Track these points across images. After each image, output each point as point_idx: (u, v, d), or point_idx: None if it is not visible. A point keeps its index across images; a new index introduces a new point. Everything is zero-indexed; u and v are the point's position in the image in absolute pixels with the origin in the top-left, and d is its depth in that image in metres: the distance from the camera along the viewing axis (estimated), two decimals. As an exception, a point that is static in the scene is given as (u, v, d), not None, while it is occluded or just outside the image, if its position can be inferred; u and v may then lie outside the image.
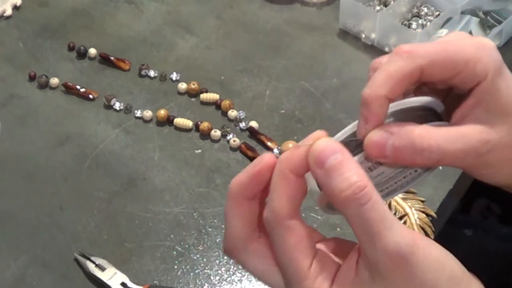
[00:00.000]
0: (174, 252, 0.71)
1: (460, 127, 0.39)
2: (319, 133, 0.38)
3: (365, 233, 0.34)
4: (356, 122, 0.39)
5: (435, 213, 0.73)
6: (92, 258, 0.70)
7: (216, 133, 0.83)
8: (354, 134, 0.39)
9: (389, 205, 0.73)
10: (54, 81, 0.91)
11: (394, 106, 0.38)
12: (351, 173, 0.34)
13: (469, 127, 0.39)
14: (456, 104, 0.40)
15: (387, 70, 0.37)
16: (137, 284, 0.68)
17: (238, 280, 0.69)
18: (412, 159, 0.37)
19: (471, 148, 0.38)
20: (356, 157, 0.38)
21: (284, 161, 0.37)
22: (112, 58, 0.94)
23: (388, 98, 0.37)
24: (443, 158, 0.38)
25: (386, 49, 0.93)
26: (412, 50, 0.38)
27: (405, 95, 0.40)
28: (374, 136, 0.37)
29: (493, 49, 0.39)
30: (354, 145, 0.38)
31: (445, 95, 0.42)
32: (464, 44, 0.39)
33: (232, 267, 0.70)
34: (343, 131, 0.39)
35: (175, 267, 0.70)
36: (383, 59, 0.40)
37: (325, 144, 0.36)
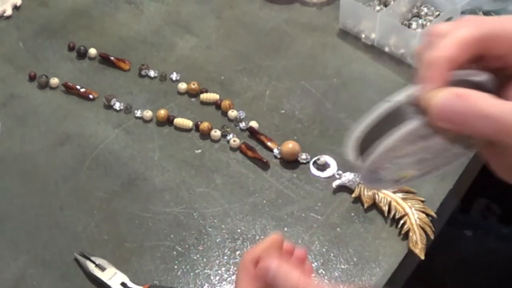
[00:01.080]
0: (174, 252, 0.71)
1: None
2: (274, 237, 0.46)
3: None
4: (411, 88, 0.38)
5: (435, 213, 0.73)
6: (92, 258, 0.70)
7: (216, 133, 0.83)
8: (408, 100, 0.38)
9: (389, 205, 0.73)
10: (54, 81, 0.91)
11: (452, 76, 0.37)
12: (287, 274, 0.43)
13: None
14: (507, 84, 0.39)
15: (454, 35, 0.37)
16: (137, 284, 0.68)
17: (238, 280, 0.69)
18: (474, 125, 0.35)
19: None
20: (412, 123, 0.37)
21: (245, 255, 0.47)
22: (112, 58, 0.94)
23: (453, 63, 0.37)
24: (502, 130, 0.35)
25: (386, 49, 0.93)
26: (477, 20, 0.37)
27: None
28: (442, 96, 0.36)
29: None
30: (409, 112, 0.37)
31: (496, 75, 0.40)
32: None
33: (232, 267, 0.70)
34: (395, 97, 0.38)
35: (175, 267, 0.70)
36: (442, 25, 0.39)
37: (264, 263, 0.45)
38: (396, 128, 0.38)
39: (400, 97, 0.39)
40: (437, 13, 0.94)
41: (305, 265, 0.52)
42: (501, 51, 0.38)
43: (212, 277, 0.69)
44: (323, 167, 0.78)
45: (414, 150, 0.38)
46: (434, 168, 0.42)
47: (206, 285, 0.69)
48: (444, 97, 0.36)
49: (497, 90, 0.39)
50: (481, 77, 0.38)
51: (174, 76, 0.91)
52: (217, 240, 0.72)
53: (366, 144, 0.40)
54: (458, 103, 0.35)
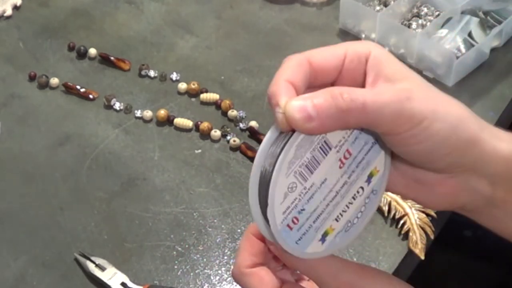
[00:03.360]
0: (174, 252, 0.71)
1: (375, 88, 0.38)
2: None
3: (315, 277, 0.42)
4: (270, 131, 0.38)
5: (435, 213, 0.73)
6: (92, 258, 0.70)
7: (216, 133, 0.83)
8: (275, 139, 0.38)
9: (389, 205, 0.73)
10: (54, 81, 0.91)
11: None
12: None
13: (381, 88, 0.38)
14: None
15: (281, 67, 0.41)
16: (137, 284, 0.68)
17: (238, 280, 0.69)
18: (339, 118, 0.36)
19: (396, 99, 0.37)
20: (289, 145, 0.37)
21: (249, 227, 0.46)
22: (112, 58, 0.94)
23: (290, 81, 0.39)
24: (373, 115, 0.36)
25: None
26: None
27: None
28: (292, 102, 0.37)
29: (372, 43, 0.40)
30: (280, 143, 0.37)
31: None
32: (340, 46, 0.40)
33: (232, 267, 0.70)
34: (263, 141, 0.39)
35: (175, 267, 0.70)
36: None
37: None
38: (270, 173, 0.37)
39: (267, 141, 0.39)
40: (437, 13, 0.94)
41: None
42: (327, 67, 0.40)
43: (212, 277, 0.69)
44: (323, 167, 0.78)
45: (312, 186, 0.38)
46: (354, 218, 0.41)
47: (206, 285, 0.69)
48: (295, 101, 0.37)
49: None
50: None
51: (174, 76, 0.91)
52: (217, 240, 0.72)
53: (262, 205, 0.39)
54: (311, 101, 0.36)
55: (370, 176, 0.41)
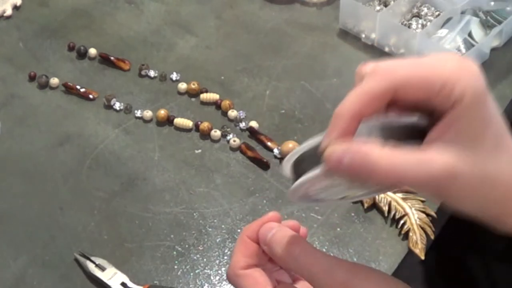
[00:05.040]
0: (174, 252, 0.71)
1: (426, 151, 0.37)
2: (272, 214, 0.48)
3: (307, 277, 0.43)
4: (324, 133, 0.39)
5: (435, 213, 0.73)
6: (92, 258, 0.70)
7: (216, 133, 0.83)
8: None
9: (389, 205, 0.73)
10: (54, 81, 0.91)
11: (374, 121, 0.38)
12: (282, 238, 0.45)
13: (434, 152, 0.37)
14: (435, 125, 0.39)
15: (361, 88, 0.39)
16: (137, 284, 0.68)
17: (238, 280, 0.69)
18: (367, 178, 0.37)
19: (432, 178, 0.37)
20: (316, 171, 0.39)
21: (244, 229, 0.47)
22: (112, 58, 0.94)
23: (358, 115, 0.38)
24: (401, 182, 0.37)
25: (386, 49, 0.93)
26: (387, 70, 0.38)
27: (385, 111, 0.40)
28: (333, 150, 0.37)
29: (475, 73, 0.38)
30: (318, 155, 0.39)
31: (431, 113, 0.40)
32: (444, 65, 0.37)
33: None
34: (311, 140, 0.40)
35: (175, 267, 0.70)
36: (368, 67, 0.40)
37: (264, 225, 0.47)
38: (310, 168, 0.39)
39: (314, 142, 0.40)
40: (437, 13, 0.94)
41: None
42: (419, 97, 0.38)
43: (212, 277, 0.69)
44: (323, 167, 0.78)
45: (338, 181, 0.39)
46: (373, 190, 0.43)
47: (206, 285, 0.69)
48: (336, 150, 0.37)
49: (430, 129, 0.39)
50: (412, 119, 0.39)
51: (174, 76, 0.91)
52: (217, 240, 0.72)
53: (295, 171, 0.41)
54: (348, 157, 0.37)
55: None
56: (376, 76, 0.39)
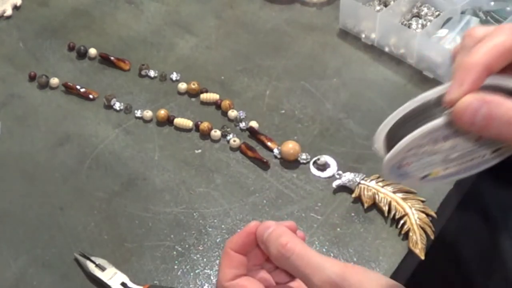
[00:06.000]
0: (174, 252, 0.71)
1: None
2: (254, 223, 0.49)
3: (300, 276, 0.44)
4: (444, 86, 0.38)
5: (435, 213, 0.73)
6: (92, 258, 0.70)
7: (216, 133, 0.83)
8: (438, 99, 0.39)
9: (389, 205, 0.73)
10: (54, 81, 0.91)
11: (487, 81, 0.38)
12: (277, 237, 0.46)
13: None
14: None
15: (491, 41, 0.38)
16: (137, 284, 0.68)
17: (238, 280, 0.69)
18: (499, 131, 0.36)
19: None
20: (436, 121, 0.38)
21: (227, 242, 0.49)
22: (112, 58, 0.94)
23: (489, 68, 0.37)
24: None
25: (386, 49, 0.93)
26: None
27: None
28: (468, 100, 0.36)
29: None
30: (436, 110, 0.38)
31: None
32: None
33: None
34: (428, 92, 0.39)
35: (175, 267, 0.70)
36: (480, 29, 0.39)
37: (262, 224, 0.48)
38: (421, 124, 0.38)
39: (430, 94, 0.39)
40: (437, 13, 0.94)
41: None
42: None
43: (212, 277, 0.69)
44: (323, 167, 0.78)
45: (439, 149, 0.39)
46: (461, 170, 0.42)
47: (206, 285, 0.69)
48: (472, 100, 0.36)
49: None
50: None
51: (174, 76, 0.91)
52: (217, 240, 0.72)
53: (392, 138, 0.40)
54: (485, 107, 0.36)
55: (497, 149, 0.41)
56: (505, 31, 0.38)
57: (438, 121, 0.38)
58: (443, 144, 0.39)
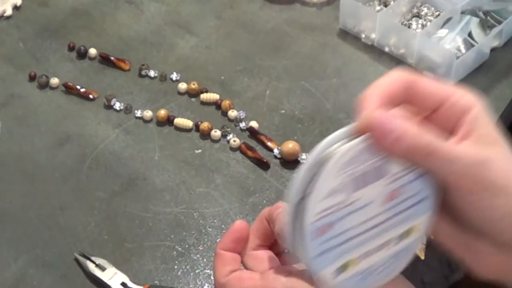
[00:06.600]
0: (174, 252, 0.72)
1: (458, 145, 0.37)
2: (239, 222, 0.48)
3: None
4: (347, 128, 0.38)
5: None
6: (92, 258, 0.70)
7: (216, 133, 0.83)
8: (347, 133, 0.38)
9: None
10: (54, 81, 0.91)
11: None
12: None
13: (464, 146, 0.37)
14: None
15: (379, 80, 0.39)
16: (137, 284, 0.68)
17: (238, 280, 0.69)
18: (413, 149, 0.36)
19: (471, 158, 0.36)
20: (352, 141, 0.36)
21: (217, 244, 0.47)
22: (112, 58, 0.94)
23: (384, 97, 0.38)
24: (449, 161, 0.36)
25: (386, 49, 0.93)
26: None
27: None
28: (381, 112, 0.37)
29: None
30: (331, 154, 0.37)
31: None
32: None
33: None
34: (332, 135, 0.38)
35: (175, 267, 0.70)
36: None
37: (275, 206, 0.46)
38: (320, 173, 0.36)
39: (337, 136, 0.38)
40: (437, 13, 0.94)
41: None
42: (429, 98, 0.39)
43: (212, 277, 0.69)
44: (323, 167, 0.78)
45: (356, 206, 0.37)
46: (381, 266, 0.39)
47: (206, 285, 0.69)
48: (382, 112, 0.37)
49: None
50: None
51: (174, 76, 0.91)
52: (217, 240, 0.72)
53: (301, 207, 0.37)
54: (398, 119, 0.36)
55: (408, 232, 0.39)
56: (390, 73, 0.39)
57: (354, 141, 0.36)
58: (357, 193, 0.37)
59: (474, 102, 0.38)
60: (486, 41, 0.90)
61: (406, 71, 0.39)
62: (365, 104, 0.38)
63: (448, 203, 0.38)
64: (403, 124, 0.36)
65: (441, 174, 0.37)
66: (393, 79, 0.39)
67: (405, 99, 0.39)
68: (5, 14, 1.03)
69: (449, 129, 0.38)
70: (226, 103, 0.86)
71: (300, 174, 0.37)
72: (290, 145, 0.79)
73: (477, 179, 0.36)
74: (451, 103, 0.39)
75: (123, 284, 0.68)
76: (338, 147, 0.37)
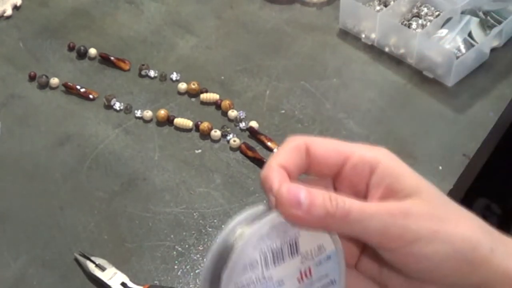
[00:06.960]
0: (174, 252, 0.72)
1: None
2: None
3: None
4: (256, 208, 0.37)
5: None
6: (92, 258, 0.70)
7: (216, 133, 0.83)
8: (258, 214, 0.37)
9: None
10: (54, 81, 0.91)
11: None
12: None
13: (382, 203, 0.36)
14: None
15: (278, 150, 0.38)
16: (137, 284, 0.68)
17: (238, 280, 0.69)
18: (324, 219, 0.35)
19: (386, 213, 0.35)
20: (267, 220, 0.36)
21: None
22: (112, 58, 0.94)
23: (284, 165, 0.37)
24: (357, 226, 0.35)
25: (386, 49, 0.93)
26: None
27: None
28: (287, 186, 0.35)
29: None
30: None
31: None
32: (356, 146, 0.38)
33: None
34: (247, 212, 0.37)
35: (175, 267, 0.70)
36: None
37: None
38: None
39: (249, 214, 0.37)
40: (437, 13, 0.94)
41: None
42: (330, 160, 0.38)
43: (212, 277, 0.69)
44: (323, 167, 0.78)
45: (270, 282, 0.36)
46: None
47: (206, 285, 0.69)
48: (290, 185, 0.35)
49: None
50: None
51: (174, 76, 0.91)
52: (217, 240, 0.72)
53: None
54: (307, 190, 0.35)
55: None
56: (286, 141, 0.38)
57: (273, 215, 0.36)
58: (272, 270, 0.36)
59: (377, 158, 0.37)
60: (486, 41, 0.90)
61: (301, 136, 0.38)
62: (269, 180, 0.37)
63: (388, 260, 0.37)
64: (311, 194, 0.34)
65: (363, 236, 0.35)
66: (289, 148, 0.38)
67: (307, 165, 0.38)
68: (5, 14, 1.03)
69: (360, 190, 0.38)
70: (226, 103, 0.86)
71: (209, 258, 0.36)
72: (290, 145, 0.79)
73: (401, 233, 0.35)
74: (352, 164, 0.37)
75: (123, 284, 0.68)
76: (248, 227, 0.36)
